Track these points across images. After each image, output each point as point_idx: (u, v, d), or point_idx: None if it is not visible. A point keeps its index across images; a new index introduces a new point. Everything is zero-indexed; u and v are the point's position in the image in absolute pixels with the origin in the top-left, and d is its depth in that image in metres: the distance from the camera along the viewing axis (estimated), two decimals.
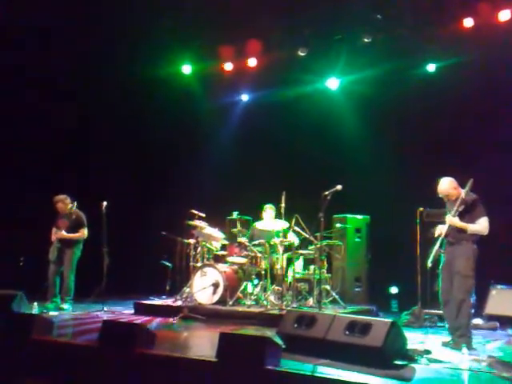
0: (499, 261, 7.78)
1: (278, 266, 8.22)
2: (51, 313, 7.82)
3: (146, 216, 10.55)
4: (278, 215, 8.35)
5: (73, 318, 7.69)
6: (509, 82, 8.44)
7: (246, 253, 8.44)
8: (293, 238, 8.38)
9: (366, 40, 9.40)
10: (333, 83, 10.38)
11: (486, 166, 8.02)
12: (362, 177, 9.46)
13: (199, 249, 8.72)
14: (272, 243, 8.30)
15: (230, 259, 8.68)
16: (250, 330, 6.79)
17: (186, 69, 10.97)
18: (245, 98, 11.43)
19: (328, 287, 8.25)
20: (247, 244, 8.44)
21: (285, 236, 8.29)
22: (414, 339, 6.04)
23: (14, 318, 5.95)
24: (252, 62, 10.53)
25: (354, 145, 9.81)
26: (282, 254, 8.17)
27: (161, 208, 10.43)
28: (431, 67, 9.57)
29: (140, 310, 8.32)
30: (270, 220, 8.65)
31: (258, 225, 8.69)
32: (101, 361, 4.98)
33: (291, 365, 4.65)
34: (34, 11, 8.88)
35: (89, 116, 10.75)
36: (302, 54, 9.90)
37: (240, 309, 7.81)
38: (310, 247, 8.39)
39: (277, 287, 8.14)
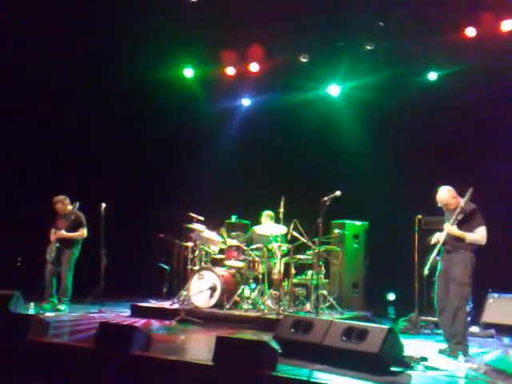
0: (497, 269, 7.78)
1: (275, 271, 8.22)
2: (48, 313, 7.81)
3: (144, 218, 10.55)
4: (277, 220, 8.36)
5: (69, 319, 7.67)
6: (510, 91, 8.47)
7: (243, 257, 8.44)
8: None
9: (367, 47, 9.43)
10: (334, 90, 10.41)
11: (485, 174, 8.06)
12: (361, 183, 9.48)
13: (197, 252, 8.72)
14: (270, 248, 8.30)
15: (227, 263, 8.68)
16: (247, 334, 6.78)
17: (188, 72, 11.00)
18: (246, 102, 11.45)
19: (325, 292, 8.25)
20: (245, 248, 8.45)
21: (283, 241, 8.30)
22: (410, 346, 6.04)
23: (11, 319, 5.93)
24: (254, 67, 10.56)
25: (353, 151, 9.84)
26: (280, 259, 8.18)
27: (160, 210, 10.43)
28: (432, 75, 9.60)
29: (137, 312, 8.29)
30: (268, 225, 8.65)
31: (257, 229, 8.70)
32: (96, 362, 4.97)
33: (287, 370, 4.64)
34: (34, 11, 8.89)
35: (89, 116, 10.76)
36: (304, 60, 9.94)
37: (237, 313, 7.81)
38: (308, 252, 8.39)
39: (274, 292, 8.14)
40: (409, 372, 4.96)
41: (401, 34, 9.22)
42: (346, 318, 7.45)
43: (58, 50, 9.67)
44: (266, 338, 5.63)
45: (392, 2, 8.85)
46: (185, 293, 8.35)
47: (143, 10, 9.36)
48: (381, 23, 9.18)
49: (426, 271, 6.05)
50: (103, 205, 8.31)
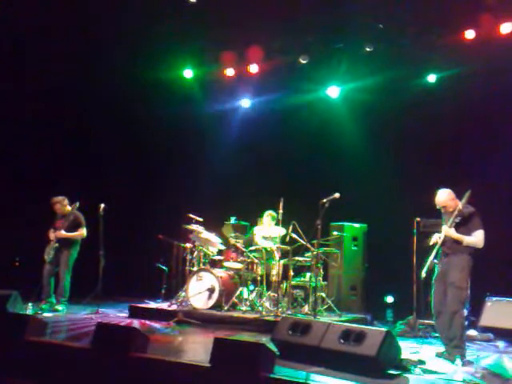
0: (495, 273, 7.78)
1: (274, 273, 8.22)
2: (45, 314, 7.81)
3: (143, 219, 10.54)
4: (276, 222, 8.35)
5: (67, 319, 7.67)
6: (509, 93, 8.47)
7: (242, 258, 8.44)
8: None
9: (367, 49, 9.43)
10: (333, 91, 10.39)
11: (484, 177, 8.05)
12: (360, 185, 9.47)
13: (195, 253, 8.72)
14: (269, 249, 8.30)
15: (226, 264, 8.67)
16: (245, 336, 6.77)
17: (188, 73, 10.99)
18: (245, 103, 11.45)
19: (323, 295, 8.25)
20: (243, 249, 8.44)
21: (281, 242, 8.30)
22: (408, 349, 6.04)
23: (9, 318, 5.93)
24: (253, 69, 10.56)
25: (352, 153, 9.83)
26: (279, 261, 8.17)
27: (158, 211, 10.43)
28: (432, 78, 9.60)
29: (135, 313, 8.28)
30: (268, 226, 8.65)
31: (257, 230, 8.69)
32: (94, 363, 4.96)
33: (285, 372, 4.65)
34: (34, 11, 8.89)
35: (88, 116, 10.75)
36: (304, 62, 9.93)
37: (235, 314, 7.80)
38: (306, 254, 8.39)
39: (272, 293, 8.14)
40: (406, 375, 4.95)
41: (400, 36, 9.22)
42: (346, 321, 7.43)
43: (57, 50, 9.68)
44: (264, 339, 5.64)
45: (391, 3, 8.84)
46: (183, 294, 8.35)
47: (143, 11, 9.36)
48: (380, 25, 9.19)
49: (423, 274, 6.04)
50: (102, 205, 8.30)
